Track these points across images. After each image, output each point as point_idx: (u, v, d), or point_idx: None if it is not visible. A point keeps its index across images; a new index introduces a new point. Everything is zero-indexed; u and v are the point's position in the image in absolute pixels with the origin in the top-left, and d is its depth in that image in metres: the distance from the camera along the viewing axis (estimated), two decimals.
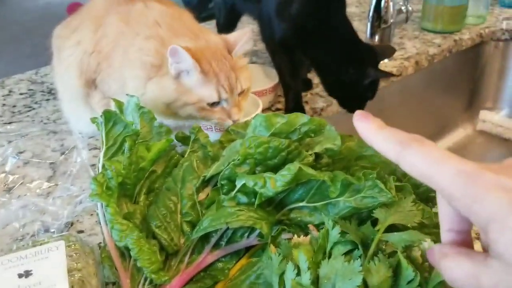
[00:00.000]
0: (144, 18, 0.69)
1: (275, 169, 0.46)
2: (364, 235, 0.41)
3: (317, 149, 0.48)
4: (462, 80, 1.40)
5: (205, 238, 0.48)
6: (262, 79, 0.93)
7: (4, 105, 0.96)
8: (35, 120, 0.89)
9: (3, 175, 0.72)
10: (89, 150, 0.77)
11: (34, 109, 0.94)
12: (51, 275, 0.44)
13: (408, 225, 0.42)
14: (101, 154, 0.54)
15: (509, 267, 0.24)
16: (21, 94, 1.01)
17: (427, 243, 0.39)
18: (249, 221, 0.45)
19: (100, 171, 0.51)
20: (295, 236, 0.45)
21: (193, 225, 0.49)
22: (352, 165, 0.51)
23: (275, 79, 0.90)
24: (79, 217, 0.62)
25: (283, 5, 0.84)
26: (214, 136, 0.66)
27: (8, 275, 0.44)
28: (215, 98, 0.64)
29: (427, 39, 1.25)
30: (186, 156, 0.55)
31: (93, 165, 0.71)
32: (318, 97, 0.97)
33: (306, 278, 0.38)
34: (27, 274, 0.44)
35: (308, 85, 1.00)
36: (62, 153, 0.78)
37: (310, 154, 0.48)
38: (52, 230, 0.58)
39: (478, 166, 0.25)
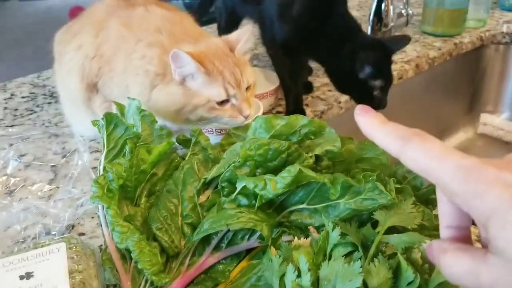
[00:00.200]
0: (146, 23, 0.70)
1: (276, 171, 0.46)
2: (364, 237, 0.41)
3: (317, 151, 0.49)
4: (463, 83, 1.40)
5: (206, 240, 0.48)
6: (263, 82, 0.93)
7: (6, 108, 0.97)
8: (37, 123, 0.90)
9: (4, 177, 0.72)
10: (91, 153, 0.77)
11: (35, 112, 0.95)
12: (52, 277, 0.44)
13: (408, 227, 0.42)
14: (102, 157, 0.54)
15: (509, 263, 0.24)
16: (23, 97, 1.02)
17: (427, 244, 0.39)
18: (249, 223, 0.45)
19: (101, 174, 0.51)
20: (296, 238, 0.45)
21: (193, 227, 0.49)
22: (352, 167, 0.51)
23: (276, 82, 0.91)
24: (80, 220, 0.62)
25: (284, 7, 0.84)
26: (215, 139, 0.66)
27: (9, 277, 0.44)
28: (223, 96, 0.64)
29: (427, 43, 1.25)
30: (187, 158, 0.55)
31: (94, 167, 0.72)
32: (319, 100, 0.97)
33: (306, 280, 0.38)
34: (28, 276, 0.44)
35: (309, 88, 1.00)
36: (64, 156, 0.78)
37: (310, 156, 0.48)
38: (54, 233, 0.59)
39: (479, 161, 0.25)
